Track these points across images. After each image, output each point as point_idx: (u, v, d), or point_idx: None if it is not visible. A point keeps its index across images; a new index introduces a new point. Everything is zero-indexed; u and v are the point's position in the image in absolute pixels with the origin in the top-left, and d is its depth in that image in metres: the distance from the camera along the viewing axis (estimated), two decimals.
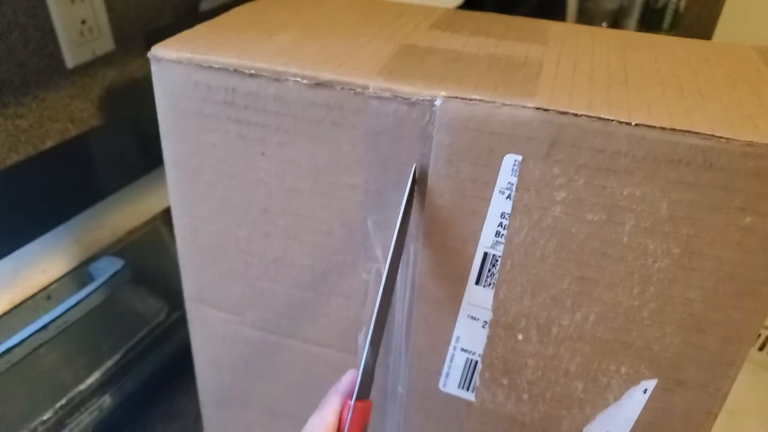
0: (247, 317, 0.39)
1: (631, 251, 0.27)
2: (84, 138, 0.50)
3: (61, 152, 0.48)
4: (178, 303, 0.58)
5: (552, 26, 0.37)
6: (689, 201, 0.25)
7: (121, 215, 0.50)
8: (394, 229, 0.30)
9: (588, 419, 0.33)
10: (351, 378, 0.29)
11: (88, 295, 0.43)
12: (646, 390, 0.31)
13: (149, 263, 0.54)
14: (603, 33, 0.36)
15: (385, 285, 0.28)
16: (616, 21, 1.36)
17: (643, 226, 0.26)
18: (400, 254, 0.31)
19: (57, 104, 0.48)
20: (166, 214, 0.54)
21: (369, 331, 0.28)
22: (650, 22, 1.36)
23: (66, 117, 0.49)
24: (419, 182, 0.29)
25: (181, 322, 0.59)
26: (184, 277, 0.39)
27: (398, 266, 0.31)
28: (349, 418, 0.27)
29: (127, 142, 0.57)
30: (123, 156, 0.55)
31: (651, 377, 0.30)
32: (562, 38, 0.34)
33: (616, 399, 0.32)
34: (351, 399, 0.27)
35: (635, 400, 0.31)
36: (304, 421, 0.40)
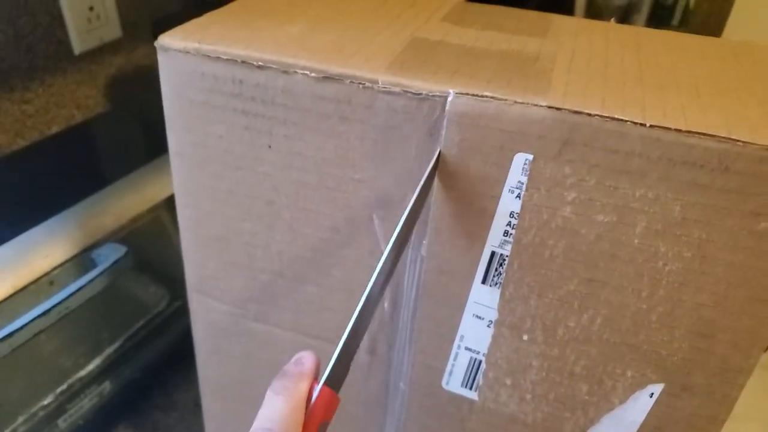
0: (249, 310, 0.39)
1: (641, 253, 0.27)
2: (89, 124, 0.50)
3: (67, 138, 0.48)
4: (179, 292, 0.58)
5: (565, 21, 0.36)
6: (703, 204, 0.25)
7: (125, 202, 0.50)
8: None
9: (592, 422, 0.32)
10: (313, 360, 0.25)
11: (90, 281, 0.42)
12: (652, 394, 0.30)
13: (152, 251, 0.54)
14: (616, 29, 0.36)
15: (378, 273, 0.25)
16: (625, 16, 1.35)
17: (654, 229, 0.26)
18: (404, 244, 0.28)
19: (64, 90, 0.47)
20: (169, 202, 0.54)
21: (354, 316, 0.24)
22: (659, 18, 1.34)
23: (72, 103, 0.48)
24: (427, 180, 0.29)
25: (182, 311, 0.59)
26: (187, 268, 0.39)
27: (399, 258, 0.28)
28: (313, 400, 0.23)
29: (132, 129, 0.56)
30: (127, 143, 0.55)
31: (657, 381, 0.30)
32: (575, 34, 0.34)
33: (621, 402, 0.31)
34: (318, 383, 0.24)
35: (641, 404, 0.31)
36: None
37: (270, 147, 0.31)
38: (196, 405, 0.63)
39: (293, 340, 0.38)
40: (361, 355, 0.37)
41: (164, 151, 0.34)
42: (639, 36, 0.34)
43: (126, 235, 0.50)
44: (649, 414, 0.31)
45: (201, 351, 0.43)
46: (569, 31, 0.34)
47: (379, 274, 0.26)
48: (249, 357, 0.41)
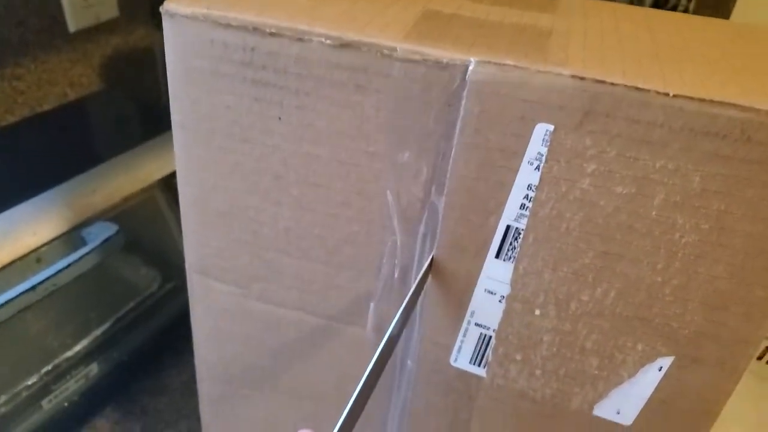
0: (252, 289, 0.38)
1: (658, 226, 0.27)
2: (82, 103, 0.49)
3: (59, 115, 0.46)
4: (171, 274, 0.57)
5: (573, 0, 0.36)
6: (723, 175, 0.25)
7: (117, 181, 0.49)
8: (414, 201, 0.29)
9: (600, 396, 0.33)
10: None
11: (79, 259, 0.41)
12: (661, 368, 0.31)
13: (144, 232, 0.53)
14: (625, 9, 0.36)
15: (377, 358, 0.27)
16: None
17: (673, 200, 0.26)
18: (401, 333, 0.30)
19: (57, 68, 0.46)
20: (163, 183, 0.52)
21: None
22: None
23: (65, 81, 0.47)
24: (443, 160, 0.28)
25: (174, 293, 0.58)
26: (187, 247, 0.38)
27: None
28: None
29: (127, 110, 0.55)
30: (121, 122, 0.54)
31: (668, 354, 0.30)
32: (585, 13, 0.34)
33: (630, 376, 0.31)
34: None
35: (649, 378, 0.31)
36: (308, 399, 0.40)
37: (280, 119, 0.30)
38: (187, 389, 0.62)
39: (298, 319, 0.38)
40: (369, 334, 0.37)
41: (159, 132, 0.33)
42: (649, 16, 0.34)
43: (118, 214, 0.49)
44: (657, 387, 0.31)
45: (199, 333, 0.42)
46: (578, 9, 0.34)
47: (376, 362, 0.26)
48: (250, 339, 0.40)
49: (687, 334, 0.29)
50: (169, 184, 0.53)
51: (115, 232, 0.46)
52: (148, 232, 0.53)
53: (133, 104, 0.58)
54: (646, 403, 0.32)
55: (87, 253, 0.42)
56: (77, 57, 0.48)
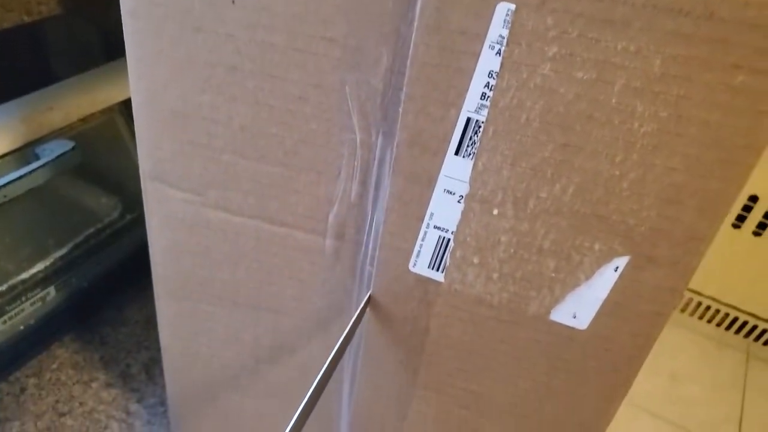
0: (209, 196, 0.37)
1: (618, 114, 0.26)
2: (41, 25, 0.46)
3: (16, 34, 0.44)
4: (132, 205, 0.55)
5: None
6: (684, 57, 0.24)
7: (75, 100, 0.47)
8: (374, 94, 0.29)
9: (557, 300, 0.33)
10: None
11: (32, 171, 0.40)
12: (617, 268, 0.31)
13: (104, 158, 0.51)
14: None
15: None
16: None
17: (633, 86, 0.25)
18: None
19: None
20: (124, 107, 0.50)
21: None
22: None
23: (22, 8, 0.44)
24: (403, 46, 0.27)
25: (136, 224, 0.56)
26: (141, 152, 0.37)
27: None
28: None
29: (87, 32, 0.52)
30: (81, 44, 0.51)
31: (624, 254, 0.30)
32: None
33: (587, 278, 0.32)
34: None
35: (605, 279, 0.31)
36: (267, 311, 0.39)
37: (234, 2, 0.29)
38: (148, 322, 0.61)
39: (256, 228, 0.37)
40: (328, 242, 0.36)
41: (120, 55, 0.31)
42: None
43: (75, 135, 0.47)
44: (613, 289, 0.31)
45: (156, 247, 0.41)
46: None
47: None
48: (208, 251, 0.39)
49: (643, 231, 0.29)
50: (131, 110, 0.52)
51: (71, 148, 0.44)
52: (108, 158, 0.51)
53: (93, 27, 0.55)
54: (602, 306, 0.32)
55: (41, 166, 0.41)
56: None
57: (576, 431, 0.38)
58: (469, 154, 0.29)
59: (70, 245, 0.50)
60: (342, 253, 0.36)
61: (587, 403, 0.37)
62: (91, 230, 0.52)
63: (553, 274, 0.32)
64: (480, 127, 0.28)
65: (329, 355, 0.41)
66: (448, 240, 0.33)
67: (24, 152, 0.43)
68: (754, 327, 1.15)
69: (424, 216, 0.32)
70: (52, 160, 0.42)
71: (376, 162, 0.32)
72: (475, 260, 0.33)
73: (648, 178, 0.28)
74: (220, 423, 0.49)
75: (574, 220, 0.30)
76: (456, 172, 0.30)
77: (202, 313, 0.43)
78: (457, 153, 0.30)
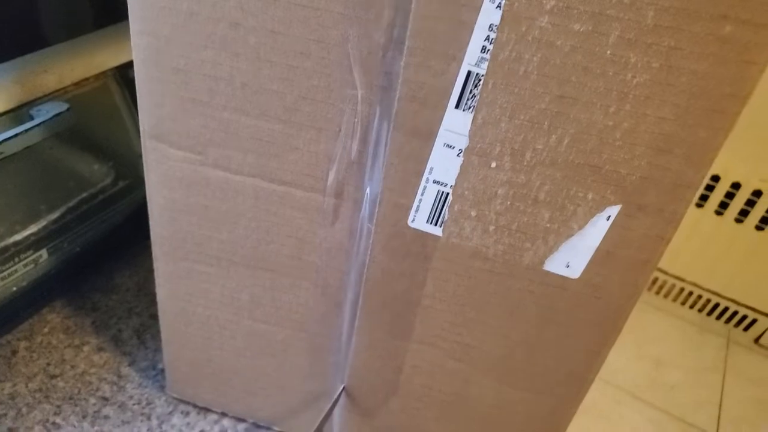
0: (209, 155, 0.37)
1: (612, 65, 0.28)
2: None
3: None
4: (125, 172, 0.55)
5: None
6: (675, 8, 0.26)
7: (70, 64, 0.46)
8: (375, 49, 0.29)
9: (551, 250, 0.34)
10: None
11: (26, 130, 0.40)
12: (609, 217, 0.32)
13: (97, 124, 0.51)
14: None
15: None
16: None
17: (627, 38, 0.27)
18: None
19: None
20: (119, 74, 0.50)
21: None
22: None
23: None
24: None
25: (128, 191, 0.57)
26: (142, 110, 0.37)
27: None
28: None
29: None
30: (76, 8, 0.51)
31: (616, 203, 0.32)
32: None
33: (580, 228, 0.33)
34: None
35: (598, 228, 0.33)
36: (264, 270, 0.40)
37: None
38: (140, 289, 0.62)
39: (255, 187, 0.38)
40: (327, 200, 0.37)
41: (115, 20, 0.32)
42: None
43: (69, 99, 0.47)
44: (604, 238, 0.33)
45: (154, 207, 0.41)
46: None
47: None
48: (206, 211, 0.40)
49: (634, 180, 0.31)
50: (125, 77, 0.51)
51: (66, 109, 0.44)
52: (102, 125, 0.51)
53: None
54: (594, 255, 0.34)
55: (37, 125, 0.41)
56: None
57: (565, 380, 0.40)
58: (469, 107, 0.30)
59: (62, 209, 0.50)
60: (341, 212, 0.37)
61: (576, 352, 0.38)
62: (84, 195, 0.52)
63: (548, 225, 0.33)
64: (480, 80, 0.29)
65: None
66: (447, 194, 0.34)
67: (18, 113, 0.43)
68: (735, 313, 1.18)
69: (424, 171, 0.33)
70: (47, 120, 0.42)
71: (376, 118, 0.33)
72: (473, 213, 0.34)
73: (640, 128, 0.29)
74: (217, 383, 0.49)
75: (569, 170, 0.31)
76: (456, 125, 0.31)
77: (199, 273, 0.43)
78: (457, 106, 0.31)
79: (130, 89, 0.50)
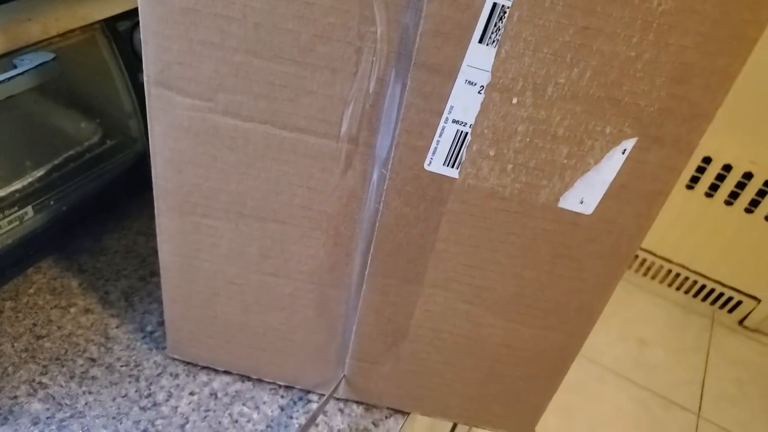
0: (218, 101, 0.36)
1: None
2: None
3: None
4: (113, 131, 0.53)
5: None
6: None
7: (54, 13, 0.44)
8: None
9: (566, 187, 0.35)
10: None
11: (9, 78, 0.38)
12: (624, 150, 0.33)
13: (84, 79, 0.49)
14: None
15: None
16: None
17: None
18: None
19: None
20: (107, 27, 0.48)
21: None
22: None
23: None
24: None
25: (116, 151, 0.55)
26: (146, 56, 0.35)
27: None
28: None
29: None
30: None
31: (632, 136, 0.32)
32: None
33: (596, 162, 0.34)
34: None
35: (613, 162, 0.33)
36: (273, 222, 0.39)
37: None
38: (128, 252, 0.60)
39: (266, 134, 0.37)
40: (341, 145, 0.37)
41: None
42: None
43: (55, 50, 0.44)
44: (619, 172, 0.34)
45: (158, 159, 0.40)
46: None
47: None
48: (214, 161, 0.39)
49: (652, 112, 0.31)
50: (114, 31, 0.49)
51: (51, 59, 0.42)
52: (89, 81, 0.49)
53: None
54: (607, 190, 0.35)
55: (21, 73, 0.39)
56: None
57: (575, 315, 0.41)
58: (493, 41, 0.30)
59: (48, 166, 0.48)
60: (354, 158, 0.37)
61: (586, 287, 0.40)
62: (71, 153, 0.50)
63: (565, 161, 0.34)
64: (505, 12, 0.29)
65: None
66: (466, 134, 0.34)
67: (1, 62, 0.41)
68: (720, 294, 1.22)
69: (443, 110, 0.33)
70: (31, 68, 0.40)
71: (394, 58, 0.33)
72: (491, 152, 0.34)
73: (661, 58, 0.29)
74: (222, 341, 0.49)
75: (589, 104, 0.32)
76: (479, 61, 0.31)
77: (206, 227, 0.43)
78: (481, 41, 0.31)
79: (119, 45, 0.48)
